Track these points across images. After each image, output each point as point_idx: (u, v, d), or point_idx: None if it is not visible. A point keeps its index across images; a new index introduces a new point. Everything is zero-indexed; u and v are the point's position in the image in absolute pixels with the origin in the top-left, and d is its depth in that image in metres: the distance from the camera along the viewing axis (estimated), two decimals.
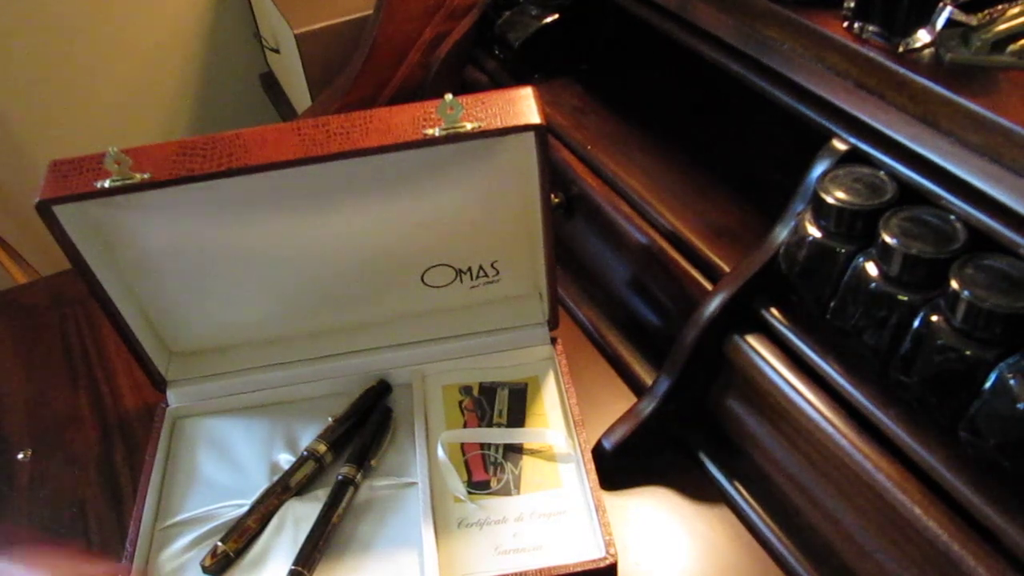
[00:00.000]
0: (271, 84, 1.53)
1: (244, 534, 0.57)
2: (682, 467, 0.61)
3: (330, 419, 0.63)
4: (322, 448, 0.60)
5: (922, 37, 0.50)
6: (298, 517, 0.58)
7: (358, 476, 0.59)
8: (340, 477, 0.59)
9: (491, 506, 0.58)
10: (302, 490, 0.60)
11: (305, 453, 0.61)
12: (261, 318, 0.66)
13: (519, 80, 0.83)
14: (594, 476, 0.57)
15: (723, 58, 0.62)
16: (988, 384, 0.41)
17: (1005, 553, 0.42)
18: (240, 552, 0.56)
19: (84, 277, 0.57)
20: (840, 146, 0.53)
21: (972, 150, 0.45)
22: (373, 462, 0.61)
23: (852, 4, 0.52)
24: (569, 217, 0.76)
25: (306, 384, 0.67)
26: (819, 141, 0.54)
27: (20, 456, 0.67)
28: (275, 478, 0.60)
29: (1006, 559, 0.42)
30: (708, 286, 0.60)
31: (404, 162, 0.57)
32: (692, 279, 0.62)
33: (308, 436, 0.63)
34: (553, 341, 0.67)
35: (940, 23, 0.49)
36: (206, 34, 1.53)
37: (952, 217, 0.46)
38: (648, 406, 0.60)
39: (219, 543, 0.56)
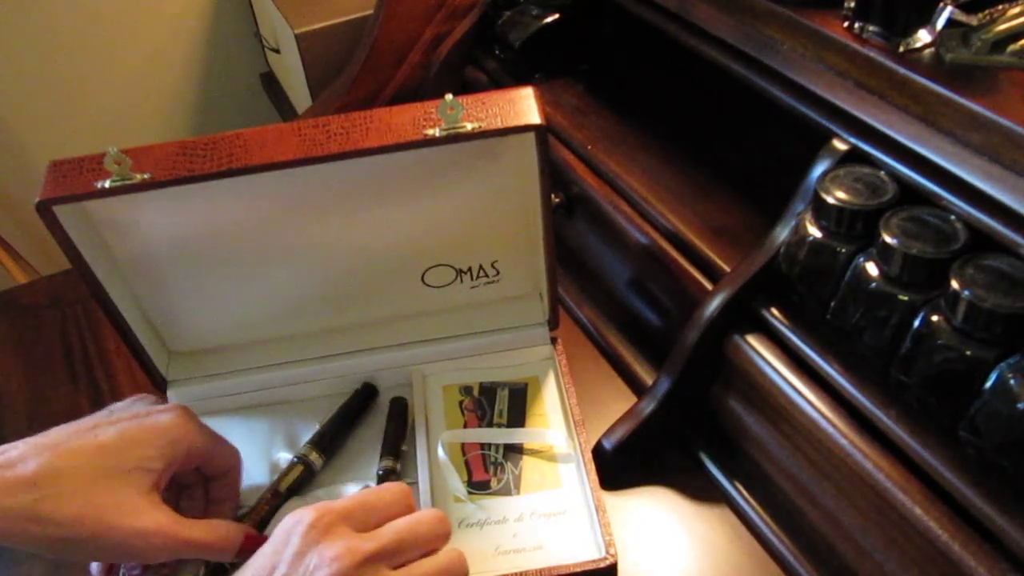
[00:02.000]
0: (271, 84, 1.53)
1: None
2: (682, 467, 0.61)
3: (318, 425, 0.63)
4: (313, 453, 0.60)
5: (922, 37, 0.50)
6: None
7: (398, 465, 0.60)
8: (380, 471, 0.59)
9: (491, 506, 0.58)
10: (294, 493, 0.60)
11: (295, 458, 0.60)
12: (261, 318, 0.66)
13: (519, 80, 0.83)
14: (594, 476, 0.57)
15: (723, 58, 0.62)
16: (988, 384, 0.41)
17: (1005, 553, 0.42)
18: (237, 563, 0.56)
19: (84, 277, 0.57)
20: (840, 146, 0.53)
21: (972, 150, 0.45)
22: (404, 447, 0.62)
23: (852, 4, 0.52)
24: (569, 217, 0.76)
25: (306, 384, 0.67)
26: (819, 141, 0.54)
27: None
28: (274, 478, 0.60)
29: (1006, 559, 0.42)
30: (708, 286, 0.60)
31: (404, 162, 0.57)
32: (692, 279, 0.62)
33: (308, 436, 0.63)
34: (553, 341, 0.67)
35: (940, 23, 0.49)
36: (206, 34, 1.53)
37: (952, 217, 0.46)
38: (648, 406, 0.60)
39: None
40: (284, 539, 0.43)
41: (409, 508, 0.46)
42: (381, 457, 0.61)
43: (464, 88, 0.91)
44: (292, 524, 0.43)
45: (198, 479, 0.56)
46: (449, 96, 0.53)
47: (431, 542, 0.45)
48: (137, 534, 0.46)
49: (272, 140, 0.53)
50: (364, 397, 0.65)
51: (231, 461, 0.56)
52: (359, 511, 0.44)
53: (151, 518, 0.47)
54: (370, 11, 1.02)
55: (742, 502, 0.58)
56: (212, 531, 0.50)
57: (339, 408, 0.64)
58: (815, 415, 0.51)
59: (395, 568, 0.43)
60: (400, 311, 0.68)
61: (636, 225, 0.68)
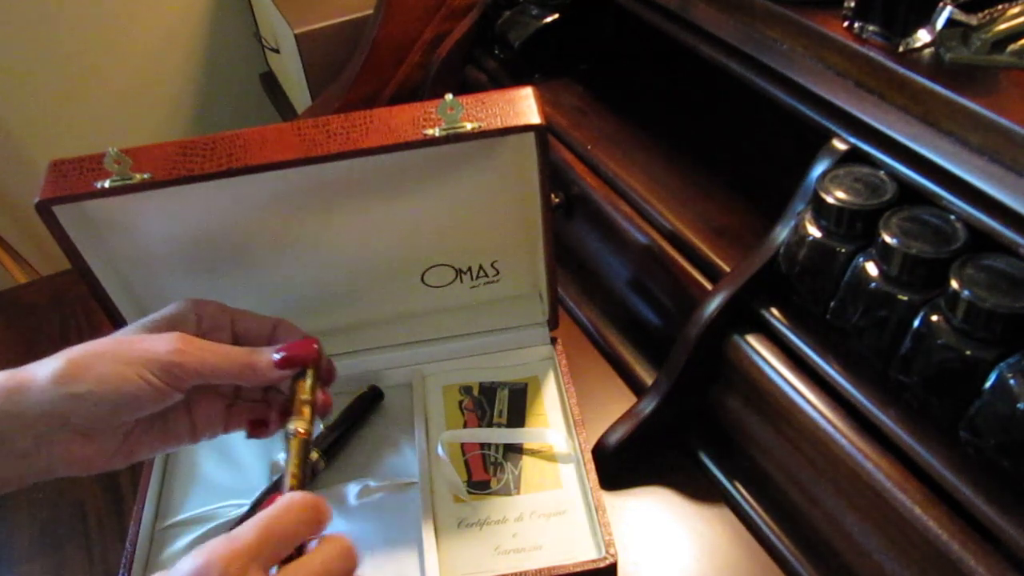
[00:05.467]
0: (271, 84, 1.54)
1: None
2: (682, 467, 0.61)
3: (321, 426, 0.63)
4: (315, 455, 0.60)
5: (922, 37, 0.50)
6: None
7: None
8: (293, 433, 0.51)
9: (491, 506, 0.58)
10: None
11: None
12: None
13: (519, 80, 0.83)
14: (594, 476, 0.57)
15: (723, 58, 0.62)
16: (988, 384, 0.41)
17: (1005, 553, 0.42)
18: None
19: (84, 277, 0.57)
20: (840, 146, 0.53)
21: (972, 150, 0.45)
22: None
23: (852, 4, 0.52)
24: (569, 217, 0.76)
25: None
26: (819, 141, 0.54)
27: None
28: (274, 478, 0.60)
29: (1006, 559, 0.42)
30: (708, 286, 0.60)
31: (404, 162, 0.57)
32: (692, 279, 0.62)
33: None
34: (553, 341, 0.67)
35: (940, 23, 0.49)
36: (206, 34, 1.53)
37: (952, 217, 0.46)
38: (648, 406, 0.60)
39: None
40: None
41: (319, 524, 0.41)
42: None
43: (464, 88, 0.91)
44: (194, 572, 0.36)
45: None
46: (449, 96, 0.53)
47: None
48: (156, 350, 0.46)
49: (272, 140, 0.53)
50: (369, 400, 0.65)
51: (270, 320, 0.52)
52: (267, 545, 0.38)
53: (170, 337, 0.47)
54: (370, 11, 1.02)
55: (742, 502, 0.58)
56: (243, 349, 0.49)
57: (344, 410, 0.64)
58: (815, 415, 0.51)
59: None
60: (400, 311, 0.68)
61: (636, 225, 0.68)
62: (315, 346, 0.50)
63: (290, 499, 0.41)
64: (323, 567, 0.39)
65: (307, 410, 0.49)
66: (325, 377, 0.52)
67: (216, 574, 0.36)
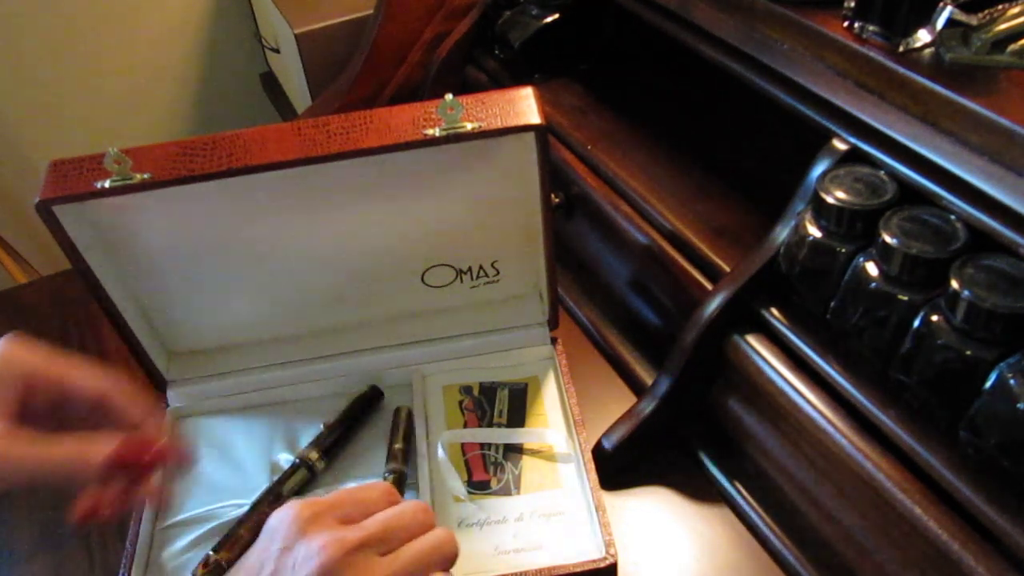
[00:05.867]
0: (271, 84, 1.54)
1: (236, 543, 0.56)
2: (682, 467, 0.61)
3: (322, 425, 0.63)
4: (314, 455, 0.60)
5: (922, 37, 0.50)
6: None
7: (406, 468, 0.61)
8: (387, 474, 0.60)
9: (491, 506, 0.58)
10: (295, 495, 0.60)
11: (297, 460, 0.60)
12: (261, 318, 0.66)
13: (519, 80, 0.83)
14: (594, 476, 0.57)
15: (723, 58, 0.62)
16: (988, 384, 0.41)
17: (1005, 553, 0.42)
18: (233, 562, 0.56)
19: (84, 277, 0.57)
20: (840, 146, 0.53)
21: (972, 150, 0.45)
22: (397, 445, 0.62)
23: (852, 4, 0.52)
24: (569, 217, 0.76)
25: (306, 384, 0.67)
26: (819, 141, 0.54)
27: None
28: (275, 478, 0.60)
29: (1006, 559, 0.42)
30: (708, 286, 0.60)
31: (404, 162, 0.57)
32: (692, 279, 0.62)
33: (308, 436, 0.63)
34: (553, 341, 0.67)
35: (940, 23, 0.49)
36: (206, 34, 1.53)
37: (952, 217, 0.46)
38: (648, 406, 0.60)
39: (211, 552, 0.56)
40: (270, 535, 0.42)
41: (394, 504, 0.45)
42: (386, 462, 0.61)
43: (464, 88, 0.91)
44: (277, 520, 0.42)
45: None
46: (449, 96, 0.53)
47: (416, 529, 0.44)
48: None
49: (272, 140, 0.53)
50: (369, 400, 0.65)
51: (99, 385, 0.48)
52: (345, 504, 0.44)
53: None
54: (370, 11, 1.02)
55: (742, 502, 0.58)
56: (66, 447, 0.45)
57: (344, 410, 0.64)
58: (815, 415, 0.51)
59: (383, 555, 0.42)
60: (400, 311, 0.68)
61: (636, 225, 0.68)
62: (153, 451, 0.47)
63: (372, 482, 0.47)
64: (396, 517, 0.44)
65: (400, 454, 0.61)
66: (181, 465, 0.54)
67: (292, 514, 0.42)
